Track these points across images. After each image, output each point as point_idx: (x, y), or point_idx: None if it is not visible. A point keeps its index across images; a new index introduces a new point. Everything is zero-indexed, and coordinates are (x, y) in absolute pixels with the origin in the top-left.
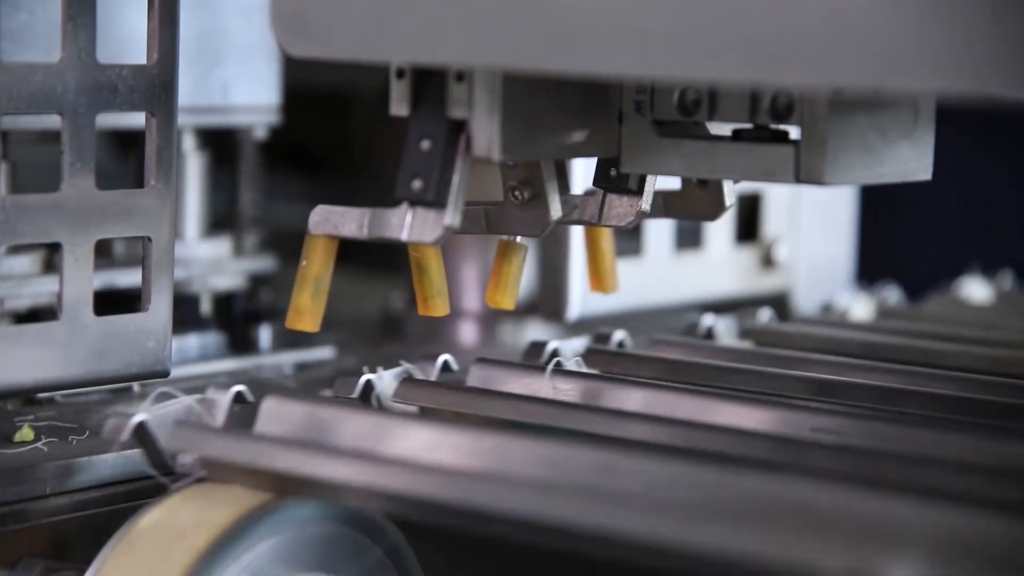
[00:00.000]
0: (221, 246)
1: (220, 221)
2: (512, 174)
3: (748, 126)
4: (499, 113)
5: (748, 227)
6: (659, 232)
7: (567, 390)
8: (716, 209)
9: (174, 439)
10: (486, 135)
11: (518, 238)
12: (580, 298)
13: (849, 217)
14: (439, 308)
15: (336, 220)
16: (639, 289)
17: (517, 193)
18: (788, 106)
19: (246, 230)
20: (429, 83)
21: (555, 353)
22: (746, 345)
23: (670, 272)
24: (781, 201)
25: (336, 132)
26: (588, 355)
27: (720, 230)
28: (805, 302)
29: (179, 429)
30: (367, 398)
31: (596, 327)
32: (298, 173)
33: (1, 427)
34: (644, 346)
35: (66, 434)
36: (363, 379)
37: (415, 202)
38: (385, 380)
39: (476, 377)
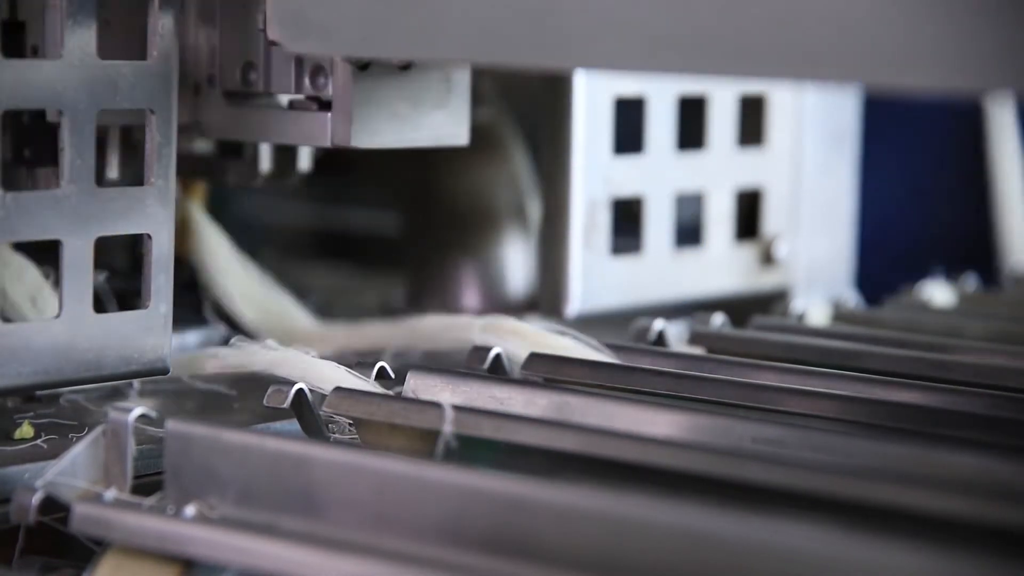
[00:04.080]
0: None
1: None
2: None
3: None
4: None
5: (748, 224)
6: (659, 230)
7: (506, 399)
8: (251, 176)
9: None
10: None
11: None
12: (580, 295)
13: (850, 214)
14: None
15: None
16: (639, 287)
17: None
18: (324, 79)
19: None
20: None
21: (498, 359)
22: (696, 351)
23: (670, 270)
24: (781, 198)
25: None
26: (531, 361)
27: (720, 227)
28: (805, 300)
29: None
30: (300, 408)
31: (596, 324)
32: None
33: (1, 424)
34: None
35: (66, 431)
36: (295, 388)
37: None
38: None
39: (411, 386)
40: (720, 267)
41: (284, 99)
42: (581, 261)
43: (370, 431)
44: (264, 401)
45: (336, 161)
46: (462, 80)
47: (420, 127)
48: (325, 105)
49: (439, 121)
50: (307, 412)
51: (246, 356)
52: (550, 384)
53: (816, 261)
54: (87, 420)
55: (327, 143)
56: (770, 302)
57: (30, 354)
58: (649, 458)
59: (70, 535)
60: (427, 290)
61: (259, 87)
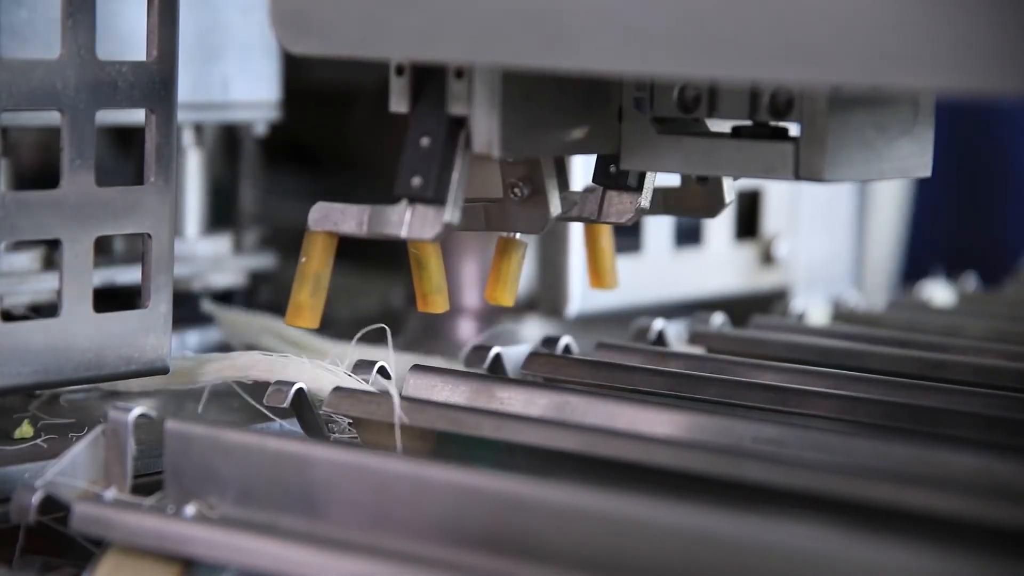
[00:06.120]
0: (221, 243)
1: (221, 219)
2: (512, 171)
3: (748, 123)
4: (499, 110)
5: (748, 224)
6: (659, 229)
7: (506, 398)
8: (716, 206)
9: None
10: (486, 132)
11: (518, 235)
12: (579, 295)
13: (849, 214)
14: (438, 305)
15: (335, 217)
16: (638, 286)
17: (517, 190)
18: (788, 103)
19: (246, 227)
20: (428, 80)
21: (497, 359)
22: (696, 351)
23: (670, 269)
24: (781, 198)
25: (336, 129)
26: (530, 360)
27: (720, 227)
28: (805, 299)
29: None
30: (300, 407)
31: (596, 323)
32: (298, 170)
33: (1, 423)
34: (590, 351)
35: (66, 431)
36: (294, 388)
37: (414, 199)
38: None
39: (412, 385)
40: (720, 267)
41: (723, 127)
42: (581, 260)
43: (370, 431)
44: (264, 400)
45: (335, 159)
46: (928, 105)
47: (886, 158)
48: (779, 133)
49: (905, 151)
50: (307, 412)
51: (244, 362)
52: (550, 384)
53: (816, 261)
54: (87, 420)
55: (790, 176)
56: (770, 302)
57: (30, 354)
58: (649, 458)
59: (70, 535)
60: None
61: (701, 113)
